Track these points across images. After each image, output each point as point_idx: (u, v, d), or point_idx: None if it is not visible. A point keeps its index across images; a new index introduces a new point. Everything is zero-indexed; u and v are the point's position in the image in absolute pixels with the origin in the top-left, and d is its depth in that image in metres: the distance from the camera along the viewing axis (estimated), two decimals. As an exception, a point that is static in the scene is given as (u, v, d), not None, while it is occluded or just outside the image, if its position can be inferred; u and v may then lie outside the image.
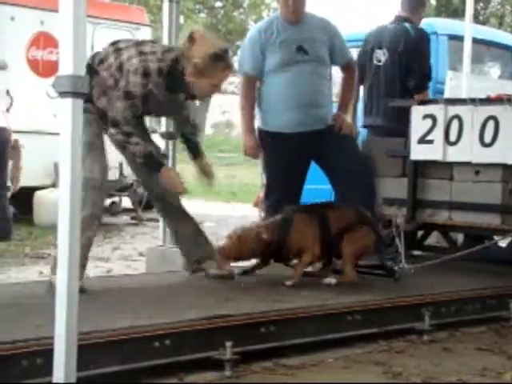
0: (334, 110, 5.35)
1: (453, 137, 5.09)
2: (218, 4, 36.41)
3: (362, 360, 3.47)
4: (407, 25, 5.99)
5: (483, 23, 21.71)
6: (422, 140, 5.21)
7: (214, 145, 27.84)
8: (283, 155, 5.23)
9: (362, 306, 3.85)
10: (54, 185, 9.29)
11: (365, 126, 6.08)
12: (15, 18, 9.72)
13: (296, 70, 5.21)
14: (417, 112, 5.27)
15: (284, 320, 3.50)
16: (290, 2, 5.14)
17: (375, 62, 6.08)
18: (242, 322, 3.35)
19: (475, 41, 7.15)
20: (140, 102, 4.06)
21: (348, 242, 4.35)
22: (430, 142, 5.17)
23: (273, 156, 5.34)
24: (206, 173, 4.59)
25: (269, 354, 3.38)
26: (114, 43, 4.20)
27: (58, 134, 2.60)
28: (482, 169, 5.04)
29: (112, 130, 4.11)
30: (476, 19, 10.71)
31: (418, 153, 5.24)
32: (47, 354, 2.55)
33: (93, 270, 6.23)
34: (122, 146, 4.25)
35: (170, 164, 5.63)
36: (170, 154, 5.65)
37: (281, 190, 5.27)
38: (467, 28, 7.01)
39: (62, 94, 2.51)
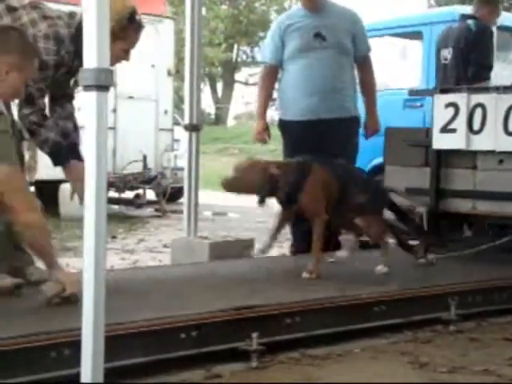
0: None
1: (476, 125, 5.04)
2: (240, -5, 36.35)
3: (388, 350, 3.47)
4: (470, 21, 6.25)
5: (508, 10, 21.51)
6: (445, 129, 5.16)
7: (237, 136, 27.82)
8: (300, 143, 5.26)
9: (387, 296, 3.84)
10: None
11: None
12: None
13: (313, 56, 5.22)
14: (439, 101, 5.22)
15: (310, 310, 3.50)
16: None
17: (442, 61, 6.26)
18: (267, 312, 3.35)
19: (501, 28, 7.09)
20: (52, 73, 3.63)
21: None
22: (453, 130, 5.12)
23: (291, 144, 5.38)
24: None
25: (295, 345, 3.38)
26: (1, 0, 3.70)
27: (82, 127, 2.62)
28: (505, 157, 4.99)
29: (25, 110, 3.60)
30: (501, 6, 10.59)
31: (440, 142, 5.20)
32: (75, 345, 2.57)
33: (119, 262, 6.27)
34: (32, 131, 3.67)
35: (193, 157, 5.65)
36: (194, 146, 5.66)
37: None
38: (491, 15, 6.93)
39: (86, 88, 2.52)
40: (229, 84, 37.72)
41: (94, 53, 2.51)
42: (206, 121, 31.04)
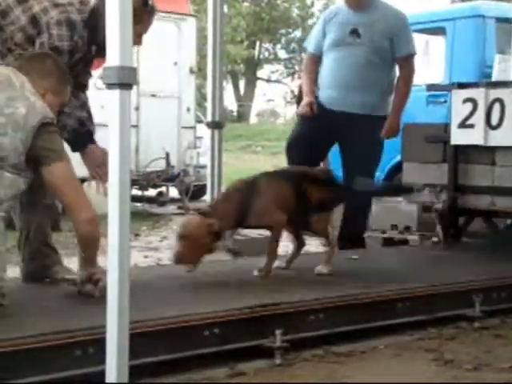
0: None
1: (494, 121, 4.98)
2: (262, -8, 36.33)
3: (412, 347, 3.45)
4: None
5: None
6: (463, 124, 5.11)
7: (259, 134, 27.84)
8: (318, 129, 5.32)
9: (411, 292, 3.83)
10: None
11: None
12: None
13: (345, 51, 5.32)
14: (457, 96, 5.16)
15: (333, 307, 3.50)
16: None
17: None
18: (291, 309, 3.35)
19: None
20: (67, 59, 3.62)
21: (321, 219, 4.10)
22: (471, 126, 5.06)
23: (308, 119, 5.42)
24: None
25: (319, 342, 3.38)
26: None
27: (105, 125, 2.63)
28: None
29: None
30: (524, 1, 10.53)
31: (458, 137, 5.14)
32: (100, 343, 2.58)
33: (142, 259, 6.29)
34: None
35: (215, 154, 5.66)
36: (216, 143, 5.66)
37: (297, 149, 5.35)
38: (515, 10, 6.90)
39: (110, 86, 2.53)
40: (251, 81, 37.73)
41: (116, 51, 2.51)
42: (229, 118, 31.07)
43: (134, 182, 9.74)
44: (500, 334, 3.73)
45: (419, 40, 8.34)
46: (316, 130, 5.31)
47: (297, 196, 4.03)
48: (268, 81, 39.95)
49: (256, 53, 37.53)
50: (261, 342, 3.18)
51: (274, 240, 4.05)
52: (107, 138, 2.54)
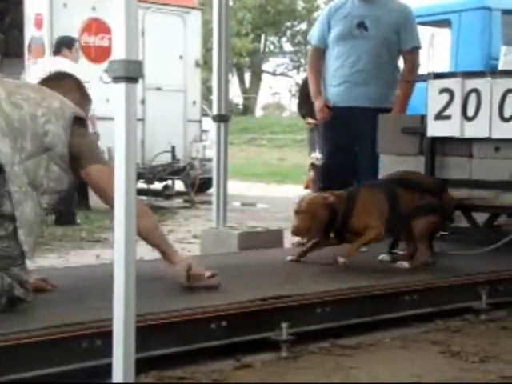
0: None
1: (471, 112, 4.82)
2: (267, -15, 36.25)
3: (419, 340, 3.46)
4: None
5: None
6: (439, 116, 4.94)
7: (265, 127, 27.83)
8: (332, 128, 5.34)
9: (418, 285, 3.83)
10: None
11: None
12: (68, 5, 9.83)
13: (352, 44, 5.31)
14: (433, 86, 4.98)
15: (340, 300, 3.50)
16: None
17: None
18: (297, 302, 3.35)
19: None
20: None
21: (419, 221, 4.26)
22: (448, 117, 4.90)
23: (326, 127, 5.46)
24: None
25: (325, 335, 3.38)
26: None
27: (111, 118, 2.63)
28: (502, 145, 4.77)
29: None
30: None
31: (435, 129, 4.97)
32: (106, 335, 2.59)
33: (149, 253, 6.29)
34: None
35: (221, 147, 5.66)
36: (222, 137, 5.66)
37: (332, 160, 5.37)
38: (521, 2, 6.88)
39: (116, 79, 2.53)
40: (256, 74, 37.70)
41: (122, 44, 2.51)
42: (234, 111, 31.07)
43: (139, 176, 9.76)
44: (506, 326, 3.73)
45: (425, 32, 8.35)
46: (340, 133, 5.32)
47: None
48: (273, 74, 39.90)
49: (261, 46, 37.48)
50: (267, 335, 3.18)
51: (362, 240, 4.21)
52: (113, 131, 2.55)
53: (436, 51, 8.85)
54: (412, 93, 5.50)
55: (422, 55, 5.86)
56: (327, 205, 4.14)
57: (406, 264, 4.24)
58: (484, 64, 6.99)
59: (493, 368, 3.06)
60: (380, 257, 4.40)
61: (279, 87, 40.06)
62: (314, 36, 5.62)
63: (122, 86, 2.51)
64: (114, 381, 2.48)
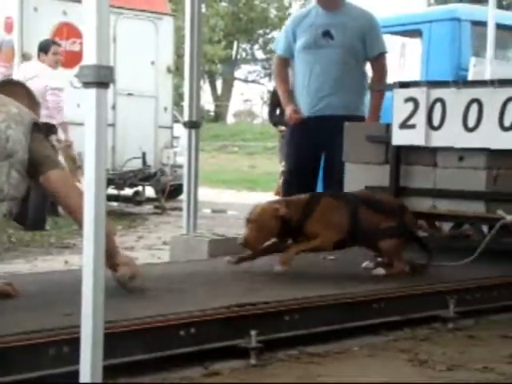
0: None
1: (436, 121, 4.81)
2: (240, -8, 36.32)
3: (387, 348, 3.47)
4: None
5: (507, 8, 21.51)
6: (404, 124, 4.92)
7: (236, 134, 27.84)
8: (296, 142, 5.35)
9: (386, 293, 3.84)
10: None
11: None
12: (38, 9, 9.77)
13: (318, 54, 5.30)
14: (398, 95, 4.97)
15: (308, 308, 3.50)
16: None
17: None
18: (266, 310, 3.35)
19: (499, 26, 7.10)
20: None
21: (384, 242, 4.23)
22: (412, 126, 4.88)
23: (288, 143, 5.48)
24: None
25: (294, 342, 3.39)
26: None
27: (81, 124, 2.62)
28: (466, 154, 4.76)
29: None
30: (499, 4, 10.63)
31: (399, 138, 4.94)
32: (74, 342, 2.57)
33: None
34: None
35: (192, 154, 5.65)
36: (193, 143, 5.66)
37: (295, 172, 5.38)
38: (490, 13, 6.96)
39: (86, 85, 2.52)
40: (228, 81, 37.72)
41: (93, 49, 2.50)
42: (206, 118, 31.04)
43: (110, 182, 9.72)
44: (473, 334, 3.75)
45: (396, 42, 8.40)
46: (306, 145, 5.32)
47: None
48: (245, 81, 39.95)
49: (233, 53, 37.50)
50: (236, 343, 3.18)
51: (303, 246, 4.16)
52: (83, 136, 2.53)
53: (407, 61, 8.92)
54: (383, 99, 5.52)
55: (393, 65, 5.90)
56: (278, 216, 4.06)
57: (382, 271, 4.24)
58: (454, 74, 7.03)
59: (460, 376, 3.08)
60: (364, 264, 4.37)
61: (251, 94, 40.11)
62: (279, 45, 5.61)
63: (92, 91, 2.50)
64: (81, 388, 2.46)
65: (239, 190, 15.86)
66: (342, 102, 5.33)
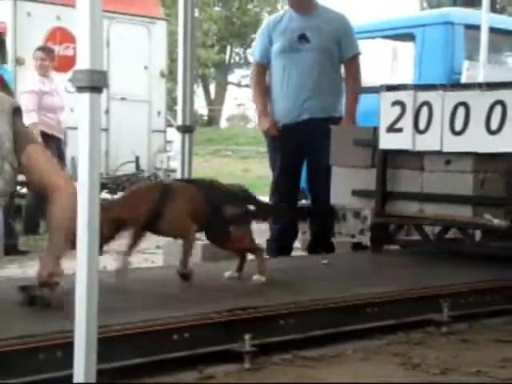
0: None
1: (422, 124, 4.79)
2: (233, -3, 36.37)
3: (380, 352, 3.47)
4: None
5: (500, 12, 21.59)
6: (391, 128, 4.90)
7: (230, 138, 27.83)
8: (280, 146, 5.36)
9: (380, 297, 3.84)
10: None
11: None
12: (32, 14, 9.77)
13: (295, 58, 5.32)
14: (385, 99, 4.97)
15: (303, 312, 3.50)
16: None
17: None
18: (260, 314, 3.35)
19: (492, 30, 7.11)
20: None
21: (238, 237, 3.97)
22: (399, 130, 4.86)
23: (272, 148, 5.49)
24: None
25: (288, 346, 3.39)
26: None
27: (75, 128, 2.62)
28: (452, 158, 4.75)
29: None
30: (492, 8, 10.66)
31: (386, 142, 4.93)
32: (68, 347, 2.56)
33: (111, 263, 6.24)
34: None
35: (186, 158, 5.65)
36: (187, 147, 5.66)
37: (282, 184, 5.38)
38: (484, 17, 6.98)
39: (80, 89, 2.52)
40: (222, 85, 37.72)
41: (87, 54, 2.50)
42: (199, 122, 31.03)
43: (103, 186, 9.70)
44: (467, 338, 3.76)
45: (388, 46, 8.42)
46: (289, 148, 5.32)
47: (210, 208, 3.90)
48: (239, 85, 39.94)
49: (227, 57, 37.52)
50: (230, 347, 3.18)
51: (185, 253, 3.94)
52: (77, 140, 2.53)
53: (399, 65, 8.93)
54: (358, 99, 5.52)
55: (386, 68, 5.90)
56: (110, 219, 3.80)
57: (262, 278, 3.97)
58: (447, 78, 7.04)
59: (454, 380, 3.08)
60: (226, 274, 4.10)
61: (244, 98, 40.08)
62: (256, 52, 5.59)
63: (86, 95, 2.51)
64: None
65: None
66: (321, 104, 5.34)
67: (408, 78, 7.64)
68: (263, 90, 5.55)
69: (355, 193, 5.10)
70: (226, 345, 3.18)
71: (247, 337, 3.15)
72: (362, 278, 4.27)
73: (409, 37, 7.91)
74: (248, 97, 39.54)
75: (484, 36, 6.89)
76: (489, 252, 4.90)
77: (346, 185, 5.12)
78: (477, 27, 7.10)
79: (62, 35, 9.93)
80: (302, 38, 5.33)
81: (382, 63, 6.77)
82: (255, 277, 3.96)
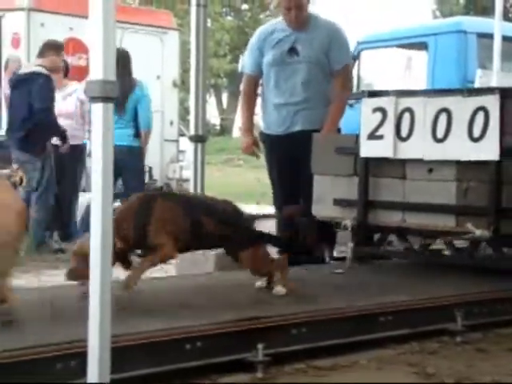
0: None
1: (404, 132, 4.63)
2: (245, 7, 36.44)
3: (394, 361, 3.46)
4: None
5: (512, 21, 21.55)
6: (372, 135, 4.74)
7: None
8: (274, 158, 5.33)
9: (394, 306, 3.83)
10: (83, 189, 9.36)
11: None
12: (45, 25, 9.82)
13: (286, 70, 5.27)
14: (366, 105, 4.81)
15: (315, 321, 3.50)
16: (292, 13, 5.15)
17: None
18: (273, 323, 3.35)
19: (505, 38, 7.11)
20: None
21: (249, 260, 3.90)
22: (380, 137, 4.70)
23: (268, 159, 5.46)
24: None
25: (301, 356, 3.38)
26: None
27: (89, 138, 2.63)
28: (435, 166, 4.58)
29: None
30: (505, 16, 10.65)
31: (368, 149, 4.75)
32: (82, 356, 2.57)
33: (125, 273, 6.25)
34: None
35: (198, 168, 5.65)
36: (199, 157, 5.67)
37: (280, 195, 5.34)
38: (496, 25, 6.98)
39: (93, 99, 2.53)
40: (234, 95, 37.70)
41: (100, 65, 2.52)
42: (212, 132, 31.06)
43: (116, 196, 9.71)
44: (481, 348, 3.74)
45: (401, 55, 8.43)
46: (284, 159, 5.30)
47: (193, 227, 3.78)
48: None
49: (239, 67, 37.60)
50: (243, 356, 3.17)
51: (147, 264, 3.78)
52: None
53: (412, 74, 8.93)
54: (344, 110, 5.39)
55: (399, 77, 5.89)
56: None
57: (283, 290, 3.92)
58: (460, 86, 7.04)
59: (468, 390, 3.07)
60: (257, 284, 4.05)
61: (256, 108, 40.15)
62: (246, 64, 5.52)
63: (99, 105, 2.52)
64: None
65: (247, 202, 15.85)
66: (314, 115, 5.28)
67: (422, 87, 7.64)
68: (252, 103, 5.52)
69: (337, 202, 4.95)
70: (238, 354, 3.18)
71: (260, 346, 3.15)
72: (374, 287, 4.25)
73: (422, 46, 7.92)
74: (260, 106, 39.61)
75: (497, 44, 6.88)
76: (474, 263, 4.75)
77: (328, 193, 4.97)
78: (489, 36, 7.11)
79: (75, 46, 9.99)
80: (292, 50, 5.27)
81: (395, 72, 6.77)
82: (277, 288, 3.94)
